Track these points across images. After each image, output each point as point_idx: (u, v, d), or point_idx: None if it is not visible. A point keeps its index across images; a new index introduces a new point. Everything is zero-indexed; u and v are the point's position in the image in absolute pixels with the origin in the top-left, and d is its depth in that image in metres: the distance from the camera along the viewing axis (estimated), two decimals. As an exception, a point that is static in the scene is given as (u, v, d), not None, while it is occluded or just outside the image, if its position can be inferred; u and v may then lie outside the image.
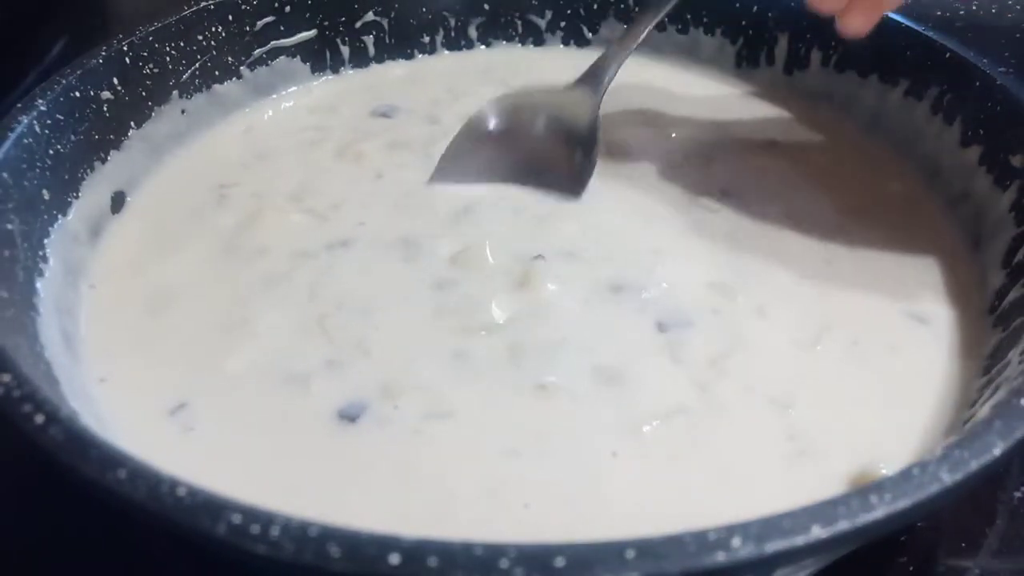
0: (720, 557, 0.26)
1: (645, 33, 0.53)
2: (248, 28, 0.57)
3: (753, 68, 0.61)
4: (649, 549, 0.26)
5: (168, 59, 0.53)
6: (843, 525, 0.27)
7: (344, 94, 0.60)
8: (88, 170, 0.48)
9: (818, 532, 0.27)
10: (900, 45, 0.54)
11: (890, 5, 0.46)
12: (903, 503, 0.28)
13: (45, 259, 0.43)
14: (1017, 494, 0.42)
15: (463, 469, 0.37)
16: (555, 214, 0.49)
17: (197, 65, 0.55)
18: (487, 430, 0.38)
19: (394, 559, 0.26)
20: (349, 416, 0.39)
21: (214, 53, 0.56)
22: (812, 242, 0.48)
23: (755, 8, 0.60)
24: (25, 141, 0.44)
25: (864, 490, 0.28)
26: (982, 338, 0.43)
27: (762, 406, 0.39)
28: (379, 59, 0.63)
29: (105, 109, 0.49)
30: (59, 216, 0.45)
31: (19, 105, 0.45)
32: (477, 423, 0.38)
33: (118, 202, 0.50)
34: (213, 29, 0.56)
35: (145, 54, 0.52)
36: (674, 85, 0.61)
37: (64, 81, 0.47)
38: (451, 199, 0.50)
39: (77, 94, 0.48)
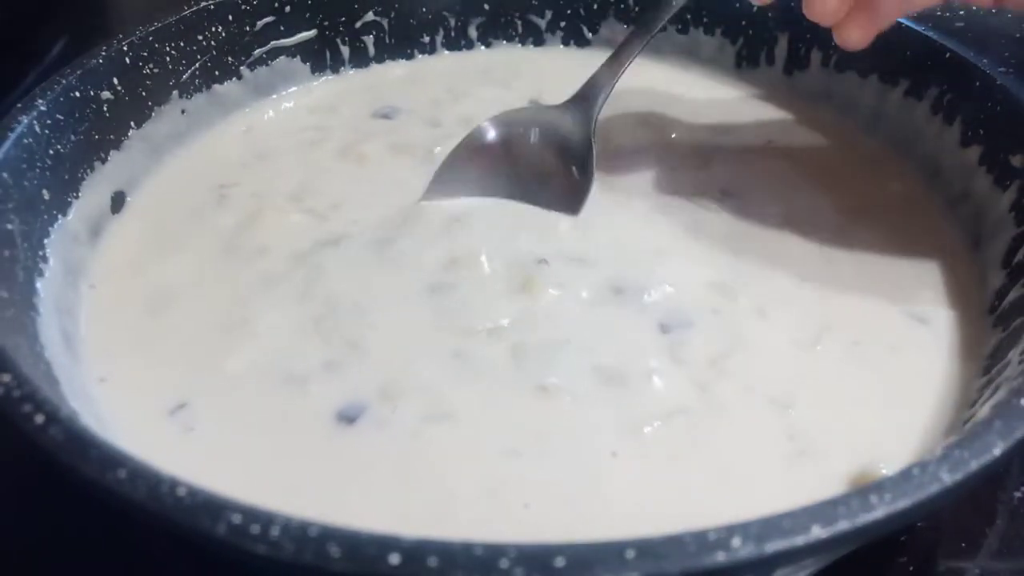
0: (720, 557, 0.26)
1: (644, 46, 0.52)
2: (248, 28, 0.57)
3: (753, 68, 0.61)
4: (649, 549, 0.26)
5: (168, 59, 0.53)
6: (843, 525, 0.27)
7: (344, 94, 0.60)
8: (88, 170, 0.48)
9: (818, 532, 0.27)
10: (900, 45, 0.54)
11: (887, 20, 0.46)
12: (903, 503, 0.28)
13: (45, 259, 0.43)
14: (1017, 494, 0.42)
15: (463, 469, 0.37)
16: (557, 217, 0.49)
17: (197, 65, 0.55)
18: (488, 431, 0.38)
19: (394, 559, 0.26)
20: (348, 418, 0.39)
21: (214, 53, 0.56)
22: (812, 242, 0.48)
23: (755, 8, 0.60)
24: (25, 141, 0.44)
25: (864, 490, 0.28)
26: (982, 338, 0.43)
27: (762, 406, 0.39)
28: (379, 59, 0.63)
29: (105, 109, 0.49)
30: (59, 216, 0.45)
31: (19, 105, 0.45)
32: (478, 424, 0.38)
33: (118, 202, 0.50)
34: (213, 29, 0.56)
35: (145, 54, 0.52)
36: (674, 86, 0.61)
37: (64, 81, 0.47)
38: (453, 203, 0.50)
39: (77, 94, 0.48)
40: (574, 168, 0.51)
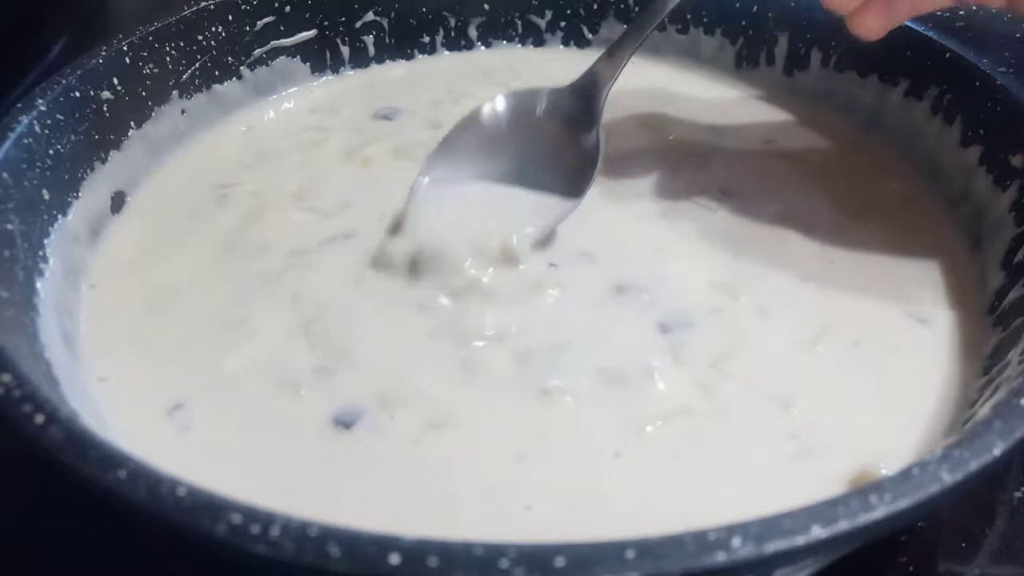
0: (720, 557, 0.26)
1: (654, 27, 0.51)
2: (248, 28, 0.57)
3: (753, 68, 0.61)
4: (649, 549, 0.26)
5: (168, 59, 0.53)
6: (843, 525, 0.27)
7: (344, 94, 0.60)
8: (88, 170, 0.48)
9: (818, 532, 0.27)
10: (900, 45, 0.54)
11: (906, 12, 0.45)
12: (903, 503, 0.28)
13: (45, 259, 0.43)
14: (1017, 494, 0.42)
15: (464, 472, 0.37)
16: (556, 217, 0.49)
17: (197, 65, 0.55)
18: (490, 433, 0.38)
19: (394, 559, 0.26)
20: (345, 422, 0.38)
21: (214, 53, 0.56)
22: (812, 242, 0.48)
23: (755, 8, 0.60)
24: (25, 141, 0.44)
25: (864, 490, 0.28)
26: (982, 338, 0.43)
27: (763, 406, 0.39)
28: (379, 59, 0.63)
29: (105, 109, 0.49)
30: (59, 216, 0.45)
31: (19, 105, 0.45)
32: (479, 426, 0.38)
33: (118, 202, 0.50)
34: (213, 29, 0.56)
35: (145, 54, 0.52)
36: (674, 85, 0.61)
37: (64, 81, 0.47)
38: (454, 206, 0.50)
39: (77, 94, 0.48)
40: (580, 149, 0.50)
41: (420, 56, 0.63)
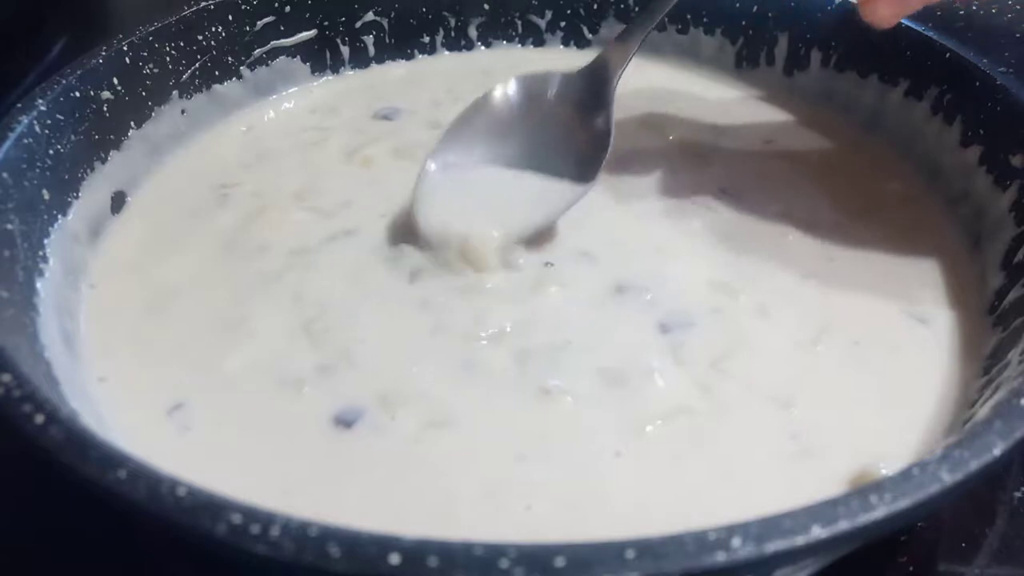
0: (720, 557, 0.26)
1: (665, 11, 0.51)
2: (248, 28, 0.57)
3: (753, 68, 0.61)
4: (649, 549, 0.26)
5: (168, 59, 0.53)
6: (843, 525, 0.27)
7: (344, 94, 0.60)
8: (88, 170, 0.48)
9: (818, 532, 0.27)
10: (900, 45, 0.54)
11: (919, 1, 0.44)
12: (903, 503, 0.28)
13: (45, 259, 0.43)
14: (1017, 494, 0.42)
15: (464, 472, 0.37)
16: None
17: (197, 65, 0.55)
18: (490, 433, 0.38)
19: (394, 559, 0.26)
20: (345, 422, 0.38)
21: (214, 53, 0.56)
22: (812, 242, 0.48)
23: (755, 8, 0.60)
24: (25, 141, 0.44)
25: (864, 490, 0.28)
26: (982, 338, 0.43)
27: (763, 406, 0.39)
28: (379, 59, 0.63)
29: (105, 109, 0.49)
30: (59, 216, 0.45)
31: (19, 105, 0.45)
32: (480, 426, 0.38)
33: (118, 202, 0.50)
34: (213, 29, 0.56)
35: (145, 54, 0.52)
36: (674, 85, 0.61)
37: (64, 81, 0.47)
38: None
39: (77, 94, 0.48)
40: (591, 133, 0.49)
41: (420, 56, 0.63)
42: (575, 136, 0.50)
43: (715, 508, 0.32)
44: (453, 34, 0.64)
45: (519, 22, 0.64)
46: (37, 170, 0.44)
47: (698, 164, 0.54)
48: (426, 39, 0.63)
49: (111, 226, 0.49)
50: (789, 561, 0.28)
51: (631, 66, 0.52)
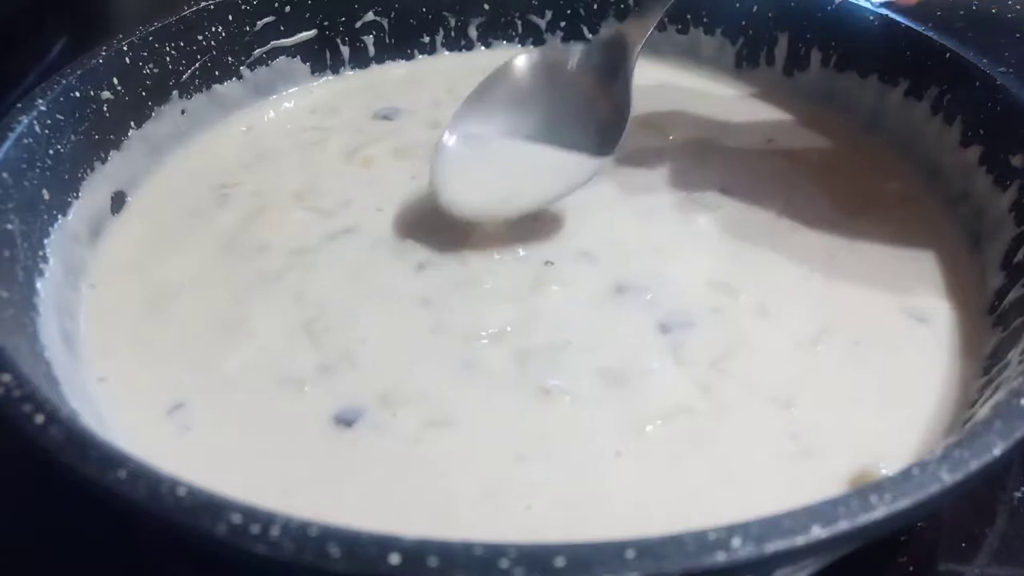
0: (720, 557, 0.26)
1: None
2: (248, 28, 0.57)
3: (753, 68, 0.61)
4: (649, 549, 0.26)
5: (168, 59, 0.53)
6: (843, 525, 0.27)
7: (344, 94, 0.60)
8: (88, 170, 0.48)
9: (818, 532, 0.27)
10: (900, 45, 0.54)
11: None
12: (903, 503, 0.28)
13: (45, 259, 0.43)
14: (1017, 494, 0.42)
15: (464, 472, 0.37)
16: (557, 217, 0.49)
17: (197, 65, 0.55)
18: (490, 433, 0.38)
19: (394, 559, 0.26)
20: (346, 421, 0.38)
21: (214, 53, 0.56)
22: (812, 242, 0.48)
23: (755, 8, 0.60)
24: (25, 141, 0.44)
25: (864, 490, 0.28)
26: (982, 338, 0.43)
27: (763, 406, 0.39)
28: (379, 59, 0.63)
29: (105, 109, 0.49)
30: (59, 216, 0.45)
31: (19, 105, 0.45)
32: (480, 426, 0.38)
33: (118, 202, 0.50)
34: (213, 29, 0.56)
35: (145, 54, 0.52)
36: (674, 85, 0.61)
37: (64, 81, 0.47)
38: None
39: (77, 94, 0.48)
40: (609, 104, 0.49)
41: (420, 56, 0.63)
42: (594, 108, 0.50)
43: (715, 508, 0.32)
44: (453, 34, 0.64)
45: (519, 22, 0.64)
46: (37, 170, 0.44)
47: (698, 164, 0.54)
48: (426, 39, 0.63)
49: (111, 226, 0.49)
50: (789, 561, 0.28)
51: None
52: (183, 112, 0.55)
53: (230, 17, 0.56)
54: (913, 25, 0.54)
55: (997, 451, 0.30)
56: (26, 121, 0.44)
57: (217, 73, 0.56)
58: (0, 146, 0.42)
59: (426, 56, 0.64)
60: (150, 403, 0.39)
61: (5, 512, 0.41)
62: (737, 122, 0.58)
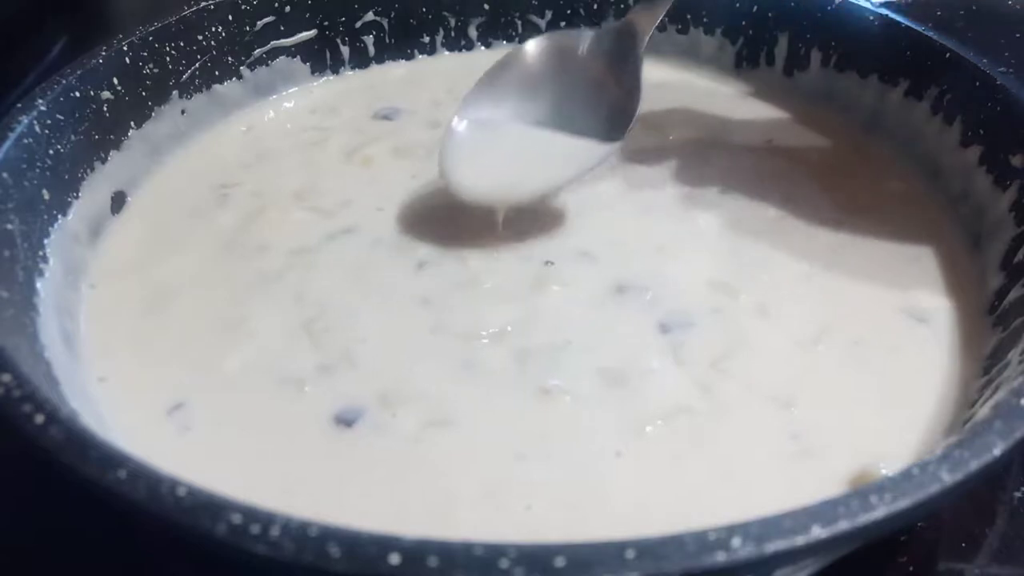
0: (720, 557, 0.26)
1: None
2: (248, 28, 0.57)
3: (753, 68, 0.61)
4: (649, 549, 0.26)
5: (168, 59, 0.53)
6: (843, 525, 0.27)
7: (344, 94, 0.60)
8: (88, 170, 0.48)
9: (818, 532, 0.27)
10: (900, 45, 0.54)
11: None
12: (903, 503, 0.28)
13: (45, 259, 0.43)
14: (1017, 494, 0.42)
15: (464, 472, 0.37)
16: (556, 216, 0.49)
17: (197, 65, 0.55)
18: (490, 432, 0.38)
19: (394, 559, 0.26)
20: (346, 421, 0.38)
21: (214, 53, 0.56)
22: (812, 242, 0.48)
23: (755, 8, 0.60)
24: (25, 141, 0.44)
25: (864, 490, 0.28)
26: (982, 338, 0.43)
27: (763, 406, 0.39)
28: (379, 59, 0.63)
29: (105, 109, 0.49)
30: (59, 216, 0.45)
31: (19, 105, 0.45)
32: (480, 425, 0.38)
33: (118, 202, 0.50)
34: (213, 29, 0.56)
35: (145, 54, 0.52)
36: (674, 85, 0.61)
37: (64, 81, 0.47)
38: (450, 205, 0.50)
39: (77, 94, 0.48)
40: (620, 90, 0.49)
41: (420, 56, 0.63)
42: (604, 94, 0.50)
43: (715, 508, 0.32)
44: (453, 34, 0.64)
45: (519, 22, 0.64)
46: (37, 170, 0.44)
47: (698, 164, 0.54)
48: (426, 39, 0.63)
49: (111, 226, 0.49)
50: (789, 561, 0.28)
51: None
52: (183, 112, 0.55)
53: (230, 17, 0.56)
54: (913, 25, 0.54)
55: (997, 451, 0.30)
56: (26, 121, 0.44)
57: (217, 73, 0.56)
58: (0, 146, 0.42)
59: (426, 56, 0.64)
60: (150, 403, 0.39)
61: (5, 512, 0.41)
62: (737, 122, 0.58)
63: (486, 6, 0.63)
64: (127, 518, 0.33)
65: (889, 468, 0.36)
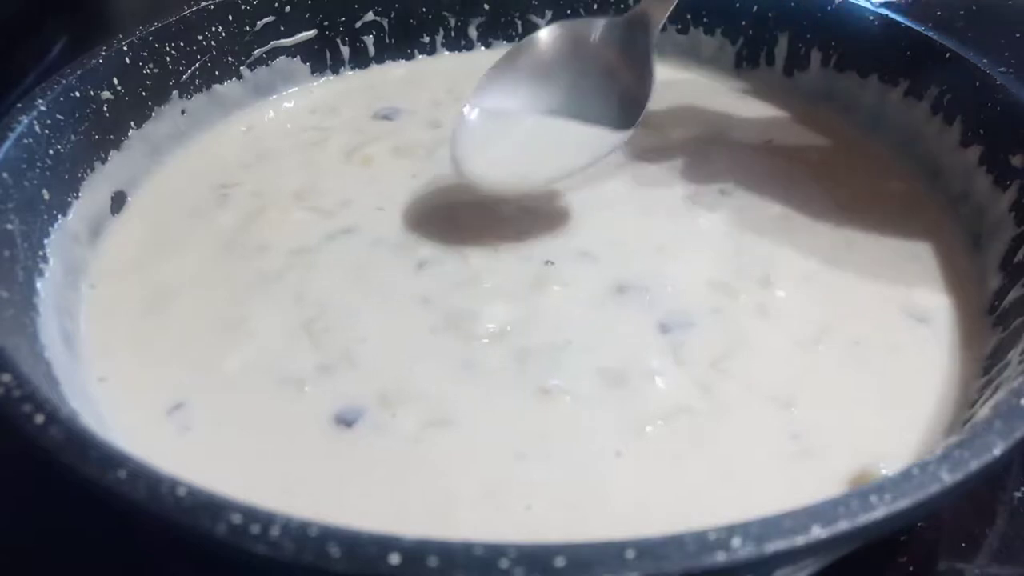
0: (720, 557, 0.26)
1: None
2: (248, 28, 0.57)
3: (753, 68, 0.61)
4: (649, 549, 0.26)
5: (168, 59, 0.53)
6: (843, 525, 0.27)
7: (344, 94, 0.60)
8: (88, 170, 0.48)
9: (818, 532, 0.27)
10: (900, 45, 0.54)
11: None
12: (903, 503, 0.28)
13: (45, 259, 0.43)
14: (1017, 494, 0.42)
15: (464, 472, 0.37)
16: (556, 216, 0.49)
17: (197, 65, 0.55)
18: (490, 432, 0.38)
19: (394, 559, 0.26)
20: (346, 421, 0.38)
21: (214, 53, 0.56)
22: (812, 242, 0.48)
23: (755, 8, 0.60)
24: (25, 141, 0.44)
25: (864, 490, 0.28)
26: (982, 338, 0.43)
27: (763, 406, 0.39)
28: (379, 59, 0.63)
29: (105, 109, 0.49)
30: (59, 216, 0.45)
31: (19, 105, 0.45)
32: (480, 425, 0.38)
33: (118, 202, 0.50)
34: (213, 29, 0.56)
35: (145, 54, 0.52)
36: (674, 85, 0.61)
37: (64, 81, 0.47)
38: (451, 205, 0.50)
39: (77, 94, 0.48)
40: (631, 79, 0.49)
41: (420, 56, 0.63)
42: (615, 82, 0.50)
43: (715, 508, 0.32)
44: (453, 34, 0.64)
45: (519, 22, 0.64)
46: (37, 170, 0.44)
47: (698, 163, 0.54)
48: (426, 39, 0.63)
49: (111, 226, 0.49)
50: (789, 561, 0.28)
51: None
52: (183, 112, 0.55)
53: (230, 17, 0.56)
54: (913, 25, 0.54)
55: (997, 451, 0.30)
56: (26, 121, 0.44)
57: (217, 73, 0.56)
58: (0, 146, 0.42)
59: (426, 56, 0.64)
60: (150, 403, 0.39)
61: (5, 512, 0.41)
62: (737, 122, 0.58)
63: (486, 6, 0.63)
64: (127, 518, 0.33)
65: (889, 468, 0.36)
